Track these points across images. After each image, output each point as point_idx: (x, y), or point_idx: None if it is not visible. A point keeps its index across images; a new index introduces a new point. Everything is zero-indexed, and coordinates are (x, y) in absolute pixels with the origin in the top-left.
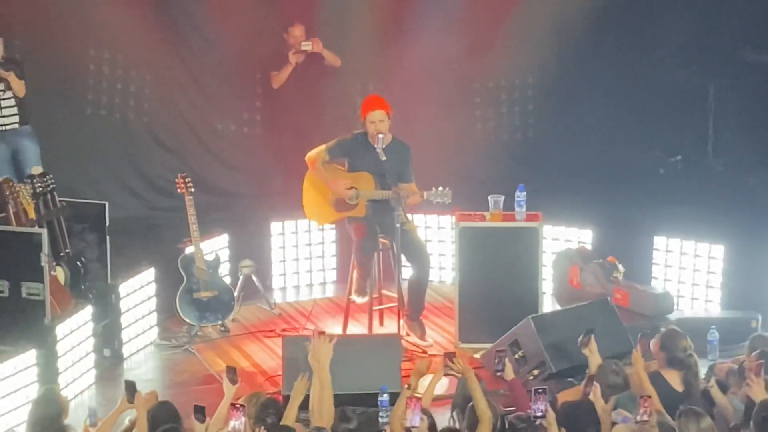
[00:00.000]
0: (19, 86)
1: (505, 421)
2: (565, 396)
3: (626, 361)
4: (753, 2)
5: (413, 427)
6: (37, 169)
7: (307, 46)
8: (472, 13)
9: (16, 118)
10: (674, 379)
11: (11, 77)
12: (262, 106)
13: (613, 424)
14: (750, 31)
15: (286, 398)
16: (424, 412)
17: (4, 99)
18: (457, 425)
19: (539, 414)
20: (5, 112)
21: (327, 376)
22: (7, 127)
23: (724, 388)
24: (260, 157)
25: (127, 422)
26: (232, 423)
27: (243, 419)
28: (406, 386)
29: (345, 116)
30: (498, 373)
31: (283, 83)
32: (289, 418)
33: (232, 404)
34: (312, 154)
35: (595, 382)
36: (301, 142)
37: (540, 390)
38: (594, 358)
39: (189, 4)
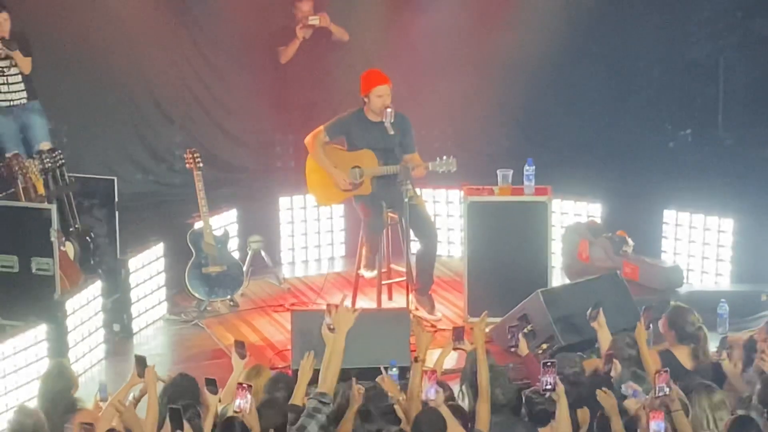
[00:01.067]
0: (24, 63)
1: (522, 395)
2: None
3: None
4: None
5: (430, 399)
6: (45, 145)
7: (314, 20)
8: None
9: (24, 94)
10: (684, 356)
11: (16, 55)
12: (270, 80)
13: (623, 397)
14: (759, 4)
15: (296, 372)
16: (441, 384)
17: (10, 75)
18: (466, 399)
19: (548, 387)
20: (13, 87)
21: (341, 343)
22: (15, 103)
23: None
24: (268, 132)
25: (131, 398)
26: (237, 402)
27: (249, 398)
28: (414, 359)
29: (353, 91)
30: (512, 349)
31: (290, 58)
32: (297, 396)
33: (239, 384)
34: (310, 137)
35: (615, 360)
36: (309, 117)
37: (549, 363)
38: (603, 331)
39: None
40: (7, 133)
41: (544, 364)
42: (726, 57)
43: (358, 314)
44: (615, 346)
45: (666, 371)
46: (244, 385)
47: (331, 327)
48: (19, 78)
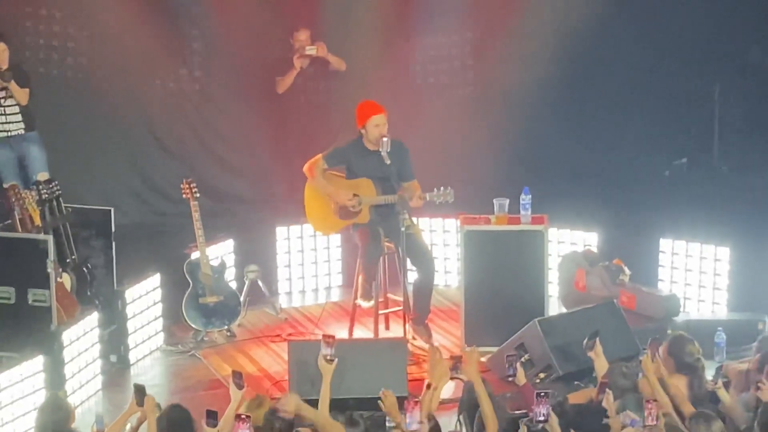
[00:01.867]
0: (21, 94)
1: (518, 424)
2: (573, 399)
3: (634, 364)
4: (759, 4)
5: (411, 431)
6: (43, 175)
7: (311, 50)
8: (476, 15)
9: (22, 125)
10: (681, 385)
11: (12, 86)
12: (267, 110)
13: (622, 427)
14: (756, 32)
15: None
16: (428, 415)
17: (8, 106)
18: (464, 429)
19: (541, 418)
20: (10, 118)
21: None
22: (13, 133)
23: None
24: (265, 161)
25: (128, 428)
26: None
27: (248, 429)
28: (427, 386)
29: (350, 120)
30: (510, 378)
31: (287, 88)
32: None
33: (238, 415)
34: (309, 163)
35: (607, 389)
36: (306, 147)
37: (542, 393)
38: (600, 361)
39: (194, 10)
40: (4, 164)
41: (538, 394)
42: (721, 85)
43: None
44: (609, 376)
45: (655, 401)
46: (243, 416)
47: (328, 358)
48: (17, 109)
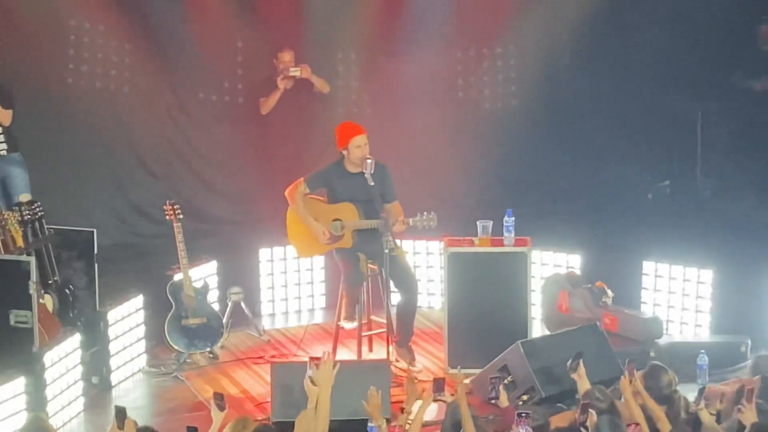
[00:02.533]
0: (3, 115)
1: None
2: (556, 421)
3: (615, 386)
4: (742, 28)
5: None
6: (25, 197)
7: (295, 71)
8: (461, 36)
9: (4, 145)
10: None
11: None
12: (251, 132)
13: None
14: (739, 56)
15: (276, 424)
16: None
17: None
18: None
19: None
20: None
21: (327, 401)
22: None
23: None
24: (248, 183)
25: None
26: None
27: None
28: (401, 411)
29: (334, 142)
30: (492, 401)
31: (271, 109)
32: None
33: None
34: (290, 188)
35: (590, 410)
36: (290, 169)
37: (523, 414)
38: (583, 382)
39: (179, 31)
40: None
41: (518, 414)
42: (704, 109)
43: (337, 369)
44: (585, 398)
45: (637, 424)
46: None
47: (314, 380)
48: (0, 129)
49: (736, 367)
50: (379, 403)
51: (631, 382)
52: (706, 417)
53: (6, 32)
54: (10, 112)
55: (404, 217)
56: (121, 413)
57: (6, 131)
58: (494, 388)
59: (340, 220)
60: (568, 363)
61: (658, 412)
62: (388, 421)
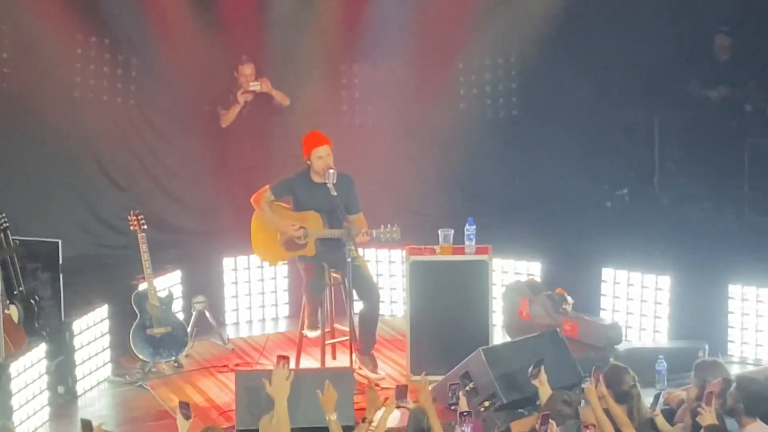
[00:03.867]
0: None
1: None
2: (518, 427)
3: (576, 392)
4: (697, 39)
5: None
6: None
7: (255, 86)
8: (420, 47)
9: None
10: (622, 413)
11: None
12: (213, 143)
13: None
14: (694, 66)
15: None
16: None
17: None
18: None
19: None
20: None
21: (284, 411)
22: None
23: (671, 416)
24: (212, 194)
25: None
26: None
27: None
28: (362, 420)
29: (295, 154)
30: (452, 407)
31: (231, 122)
32: None
33: None
34: (256, 194)
35: (551, 420)
36: (252, 180)
37: (465, 413)
38: (544, 389)
39: (139, 42)
40: None
41: (461, 414)
42: (661, 118)
43: (292, 379)
44: (551, 403)
45: (594, 426)
46: None
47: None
48: None
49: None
50: (334, 395)
51: (596, 387)
52: (663, 423)
53: None
54: None
55: (368, 229)
56: (87, 426)
57: None
58: (454, 394)
59: (305, 228)
60: (529, 369)
61: (623, 416)
62: (349, 428)
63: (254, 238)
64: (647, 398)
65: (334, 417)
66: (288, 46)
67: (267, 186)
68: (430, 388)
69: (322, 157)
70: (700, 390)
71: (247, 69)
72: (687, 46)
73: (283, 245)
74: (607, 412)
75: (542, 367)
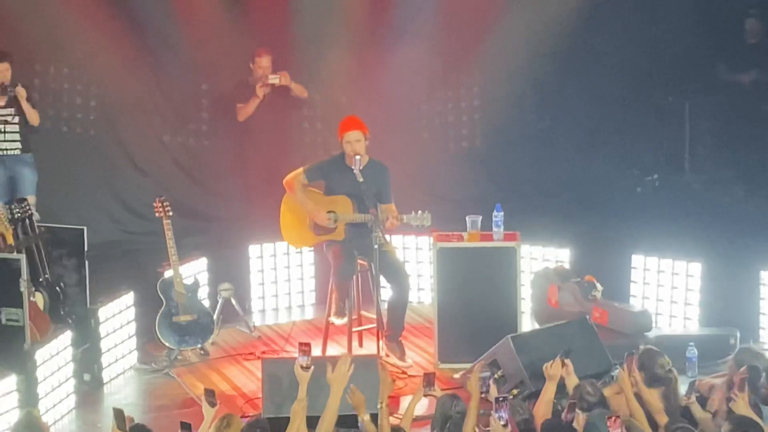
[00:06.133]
0: (33, 114)
1: None
2: (538, 408)
3: (606, 380)
4: (727, 22)
5: None
6: (32, 198)
7: (274, 79)
8: (447, 35)
9: (19, 144)
10: (655, 398)
11: (23, 102)
12: (238, 130)
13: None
14: (724, 50)
15: (268, 420)
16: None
17: (10, 124)
18: None
19: (502, 422)
20: (9, 137)
21: (336, 399)
22: (9, 153)
23: (704, 404)
24: (237, 180)
25: None
26: None
27: None
28: (379, 403)
29: (316, 142)
30: (483, 395)
31: (249, 116)
32: None
33: None
34: (290, 177)
35: (577, 410)
36: (279, 165)
37: (501, 398)
38: (571, 378)
39: (166, 30)
40: None
41: (496, 399)
42: (691, 103)
43: (351, 370)
44: (575, 394)
45: (618, 417)
46: None
47: (305, 366)
48: (17, 128)
49: (726, 359)
50: (362, 398)
51: (630, 375)
52: (698, 410)
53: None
54: (36, 111)
55: (399, 214)
56: (119, 415)
57: (23, 132)
58: (485, 383)
59: (335, 212)
60: (557, 359)
61: (656, 402)
62: (375, 416)
63: (283, 221)
64: (681, 386)
65: (367, 417)
66: (314, 32)
67: (301, 169)
68: (457, 376)
69: (350, 143)
70: (731, 378)
71: (265, 61)
72: (716, 29)
73: (312, 229)
74: (639, 398)
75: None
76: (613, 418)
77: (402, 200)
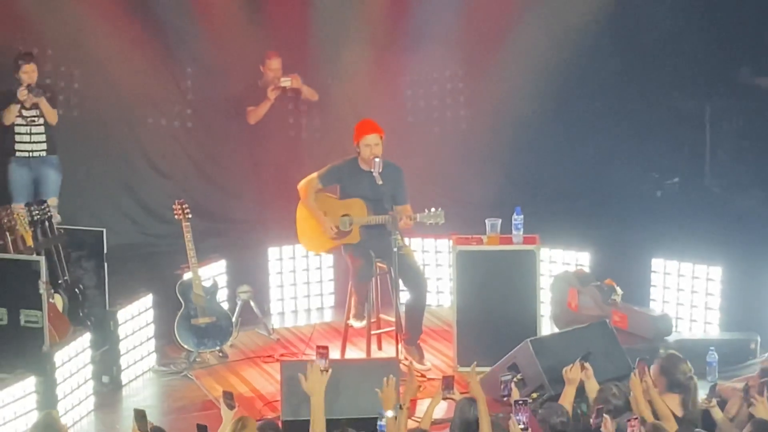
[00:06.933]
0: (51, 114)
1: None
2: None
3: (626, 383)
4: (748, 26)
5: None
6: (53, 201)
7: (286, 82)
8: (468, 37)
9: (44, 146)
10: (674, 404)
11: (42, 103)
12: (257, 134)
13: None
14: (745, 54)
15: (285, 423)
16: None
17: (35, 125)
18: None
19: (521, 426)
20: (35, 138)
21: (320, 408)
22: (35, 154)
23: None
24: (256, 183)
25: None
26: None
27: None
28: (398, 405)
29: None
30: (504, 398)
31: (260, 119)
32: None
33: None
34: (303, 183)
35: (605, 416)
36: (293, 168)
37: (521, 401)
38: (590, 382)
39: (183, 28)
40: (20, 183)
41: (516, 402)
42: (712, 106)
43: (329, 373)
44: (600, 398)
45: (636, 418)
46: None
47: (323, 369)
48: (43, 129)
49: (746, 363)
50: (393, 391)
51: (642, 380)
52: (719, 414)
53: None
54: (56, 111)
55: (412, 213)
56: (140, 416)
57: (48, 133)
58: (506, 386)
59: (349, 216)
60: (577, 363)
61: (665, 410)
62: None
63: (300, 227)
64: (701, 391)
65: (391, 414)
66: (332, 34)
67: (315, 174)
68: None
69: (369, 146)
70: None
71: (275, 63)
72: (737, 34)
73: (328, 234)
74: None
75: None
76: (632, 420)
77: (421, 203)
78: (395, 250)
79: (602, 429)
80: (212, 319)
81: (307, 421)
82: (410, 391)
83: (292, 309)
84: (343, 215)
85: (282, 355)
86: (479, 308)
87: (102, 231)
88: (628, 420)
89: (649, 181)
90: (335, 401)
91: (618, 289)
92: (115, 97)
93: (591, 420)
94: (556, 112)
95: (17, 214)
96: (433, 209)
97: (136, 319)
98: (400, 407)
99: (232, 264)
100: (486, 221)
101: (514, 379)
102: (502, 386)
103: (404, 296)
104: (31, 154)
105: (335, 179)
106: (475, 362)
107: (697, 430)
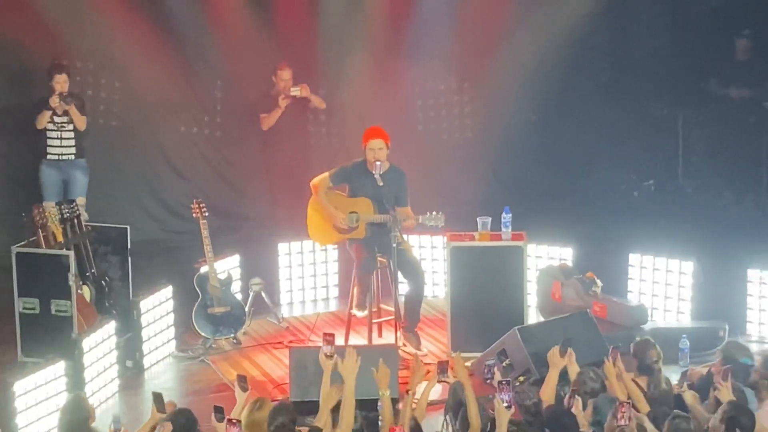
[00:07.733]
0: (80, 120)
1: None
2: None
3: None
4: (715, 42)
5: None
6: (81, 200)
7: (296, 92)
8: (460, 49)
9: (74, 150)
10: (644, 385)
11: (72, 110)
12: (269, 139)
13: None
14: (713, 67)
15: (295, 404)
16: (410, 417)
17: (65, 131)
18: (450, 428)
19: (505, 404)
20: (65, 143)
21: (351, 389)
22: (65, 157)
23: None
24: (267, 184)
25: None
26: None
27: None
28: (407, 391)
29: (345, 148)
30: (488, 381)
31: (271, 126)
32: (320, 420)
33: (229, 419)
34: (316, 180)
35: (576, 396)
36: (302, 171)
37: (503, 382)
38: (573, 367)
39: (201, 40)
40: (50, 183)
41: (499, 383)
42: (685, 114)
43: (359, 359)
44: (579, 380)
45: (628, 403)
46: (234, 420)
47: (328, 354)
48: (72, 134)
49: (715, 350)
50: (387, 373)
51: (615, 365)
52: (690, 398)
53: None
54: (84, 118)
55: (415, 215)
56: (159, 399)
57: (78, 137)
58: (489, 371)
59: (356, 213)
60: (558, 348)
61: (636, 392)
62: (395, 401)
63: (310, 221)
64: (674, 375)
65: (387, 393)
66: (336, 45)
67: (326, 173)
68: (468, 364)
69: (373, 150)
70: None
71: (286, 74)
72: (706, 48)
73: (336, 228)
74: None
75: (569, 346)
76: (621, 404)
77: (419, 202)
78: (394, 245)
79: (573, 410)
80: (227, 309)
81: (314, 402)
82: (418, 377)
83: (300, 300)
84: (351, 212)
85: (290, 341)
86: (471, 299)
87: (126, 228)
88: (619, 403)
89: (627, 183)
90: (339, 384)
91: (598, 281)
92: (139, 106)
93: (565, 401)
94: (543, 120)
95: (48, 212)
96: (434, 212)
97: (157, 308)
98: (406, 392)
99: (245, 258)
100: (477, 219)
101: (503, 364)
102: (485, 370)
103: (403, 288)
104: (60, 156)
105: (344, 179)
106: (459, 351)
107: (675, 411)
